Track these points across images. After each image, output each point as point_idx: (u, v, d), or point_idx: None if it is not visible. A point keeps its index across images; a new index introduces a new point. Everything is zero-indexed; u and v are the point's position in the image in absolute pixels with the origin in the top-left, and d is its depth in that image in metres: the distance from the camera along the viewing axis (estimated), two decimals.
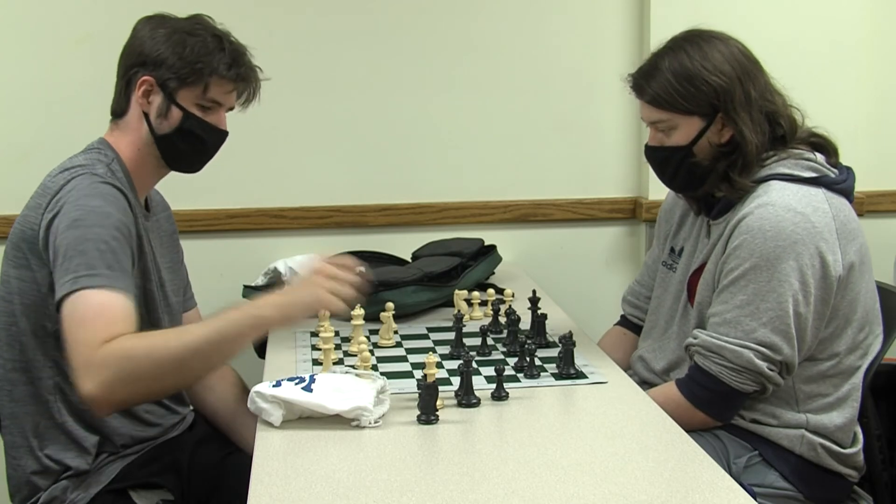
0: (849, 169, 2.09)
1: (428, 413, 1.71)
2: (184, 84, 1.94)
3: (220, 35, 1.97)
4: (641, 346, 2.30)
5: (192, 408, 2.19)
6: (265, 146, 2.94)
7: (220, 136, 2.04)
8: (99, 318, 1.68)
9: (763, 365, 1.94)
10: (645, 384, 2.19)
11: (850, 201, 2.05)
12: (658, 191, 2.90)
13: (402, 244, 2.91)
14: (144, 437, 2.01)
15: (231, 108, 2.05)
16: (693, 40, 2.04)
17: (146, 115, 1.97)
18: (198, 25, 1.98)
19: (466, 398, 1.78)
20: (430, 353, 1.85)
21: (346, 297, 1.78)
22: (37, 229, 1.85)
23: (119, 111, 2.01)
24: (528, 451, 1.60)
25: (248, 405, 1.75)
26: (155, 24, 1.98)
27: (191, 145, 1.99)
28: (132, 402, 1.74)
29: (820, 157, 2.04)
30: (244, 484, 1.49)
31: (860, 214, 2.16)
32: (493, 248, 2.80)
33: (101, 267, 1.73)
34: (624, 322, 2.46)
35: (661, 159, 2.10)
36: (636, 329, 2.40)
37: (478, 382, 1.87)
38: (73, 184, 1.85)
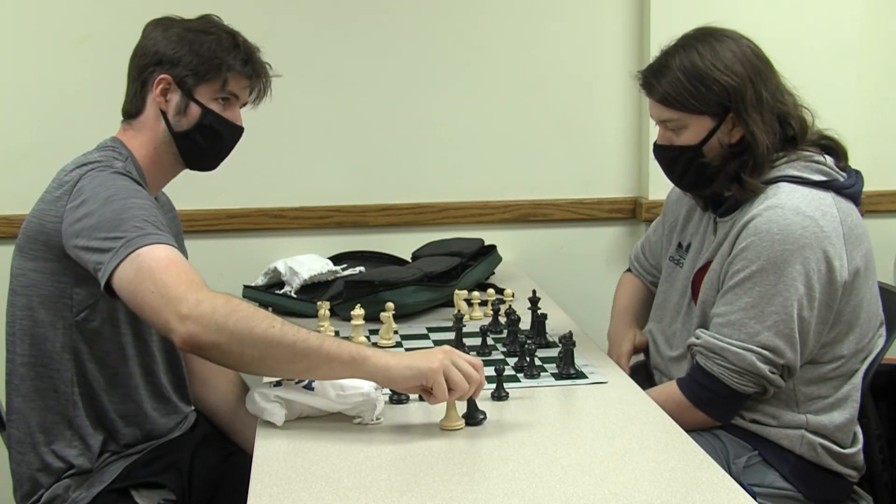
0: (857, 172, 2.08)
1: (400, 393, 1.80)
2: (202, 80, 1.97)
3: (233, 33, 2.01)
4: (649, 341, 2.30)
5: (193, 407, 2.19)
6: (265, 146, 2.94)
7: (237, 131, 2.06)
8: (174, 265, 1.69)
9: (765, 368, 1.94)
10: (648, 380, 2.19)
11: (858, 205, 2.05)
12: (658, 191, 2.91)
13: (402, 244, 2.92)
14: (148, 437, 2.02)
15: (244, 105, 2.07)
16: (704, 39, 2.02)
17: (164, 114, 1.98)
18: (210, 24, 2.01)
19: (472, 415, 1.72)
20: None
21: (460, 388, 1.65)
22: (58, 221, 1.85)
23: (133, 112, 2.02)
24: (528, 451, 1.60)
25: (248, 406, 1.75)
26: (166, 25, 2.00)
27: (209, 141, 2.01)
28: (211, 353, 1.66)
29: (829, 159, 2.03)
30: (245, 484, 1.49)
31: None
32: (493, 248, 2.80)
33: (151, 228, 1.75)
34: (632, 270, 2.52)
35: (670, 158, 2.09)
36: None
37: None
38: (92, 174, 1.86)
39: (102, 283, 1.73)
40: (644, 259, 2.46)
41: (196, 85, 1.97)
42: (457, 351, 1.70)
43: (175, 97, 1.97)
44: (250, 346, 1.64)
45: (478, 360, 1.71)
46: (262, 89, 2.07)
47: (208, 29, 1.99)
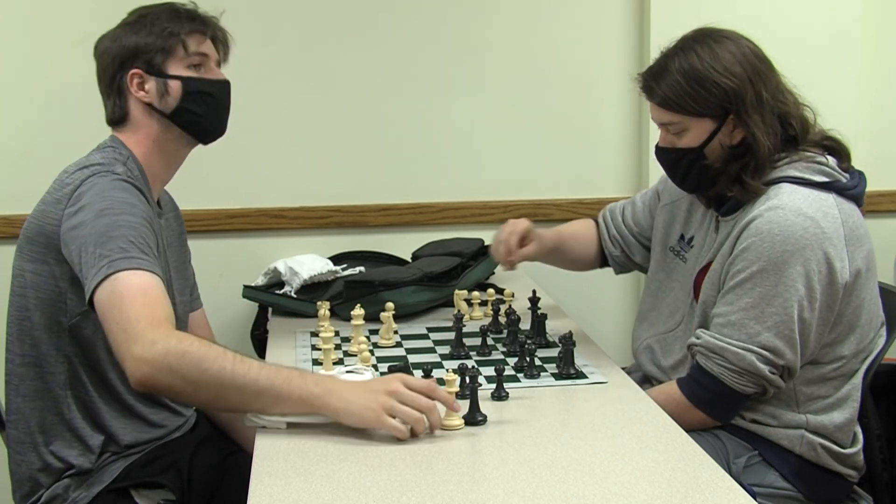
0: (860, 173, 2.07)
1: None
2: (167, 54, 1.99)
3: (168, 3, 2.05)
4: (642, 329, 2.27)
5: (194, 409, 2.19)
6: (265, 146, 2.94)
7: (224, 86, 2.07)
8: (142, 296, 1.69)
9: (765, 368, 1.94)
10: (646, 382, 2.18)
11: (860, 206, 2.04)
12: None
13: (402, 244, 2.91)
14: (149, 439, 2.02)
15: (218, 63, 2.09)
16: (703, 40, 2.02)
17: (150, 105, 1.99)
18: (144, 9, 2.05)
19: (472, 416, 1.72)
20: (451, 371, 1.74)
21: (413, 420, 1.62)
22: (57, 224, 1.86)
23: (119, 118, 2.03)
24: (528, 451, 1.60)
25: (246, 423, 1.73)
26: (110, 32, 2.04)
27: (204, 104, 2.02)
28: (166, 393, 1.73)
29: (832, 160, 2.03)
30: (245, 484, 1.49)
31: None
32: None
33: (135, 251, 1.75)
34: (596, 222, 2.48)
35: (672, 161, 2.08)
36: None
37: None
38: (93, 180, 1.87)
39: (87, 299, 1.75)
40: (619, 219, 2.41)
41: (164, 62, 1.99)
42: (404, 379, 1.67)
43: (152, 84, 1.99)
44: (203, 388, 1.65)
45: (429, 383, 1.67)
46: (224, 42, 2.09)
47: (146, 12, 2.03)
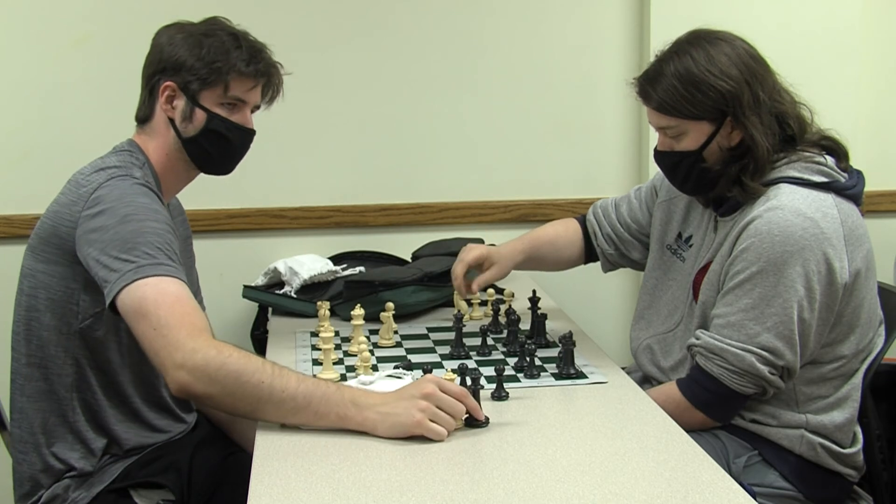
0: (859, 173, 2.07)
1: None
2: (205, 85, 1.96)
3: (236, 33, 2.00)
4: (640, 328, 2.26)
5: (196, 410, 2.18)
6: (265, 146, 2.93)
7: (247, 135, 2.05)
8: (178, 304, 1.69)
9: (765, 369, 1.94)
10: (646, 382, 2.18)
11: (859, 206, 2.04)
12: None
13: (402, 244, 2.92)
14: (151, 443, 2.02)
15: (257, 107, 2.06)
16: (697, 43, 2.01)
17: (172, 121, 1.98)
18: (214, 26, 2.00)
19: (473, 417, 1.71)
20: (450, 371, 1.77)
21: (448, 427, 1.64)
22: (72, 226, 1.85)
23: (144, 118, 2.02)
24: (528, 451, 1.60)
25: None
26: (172, 30, 2.00)
27: (218, 146, 2.00)
28: (205, 402, 1.73)
29: (830, 160, 2.03)
30: (245, 484, 1.49)
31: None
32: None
33: (162, 257, 1.75)
34: (581, 220, 2.46)
35: (672, 164, 2.08)
36: (586, 232, 2.44)
37: None
38: (112, 184, 1.86)
39: (108, 302, 1.74)
40: (613, 217, 2.39)
41: (200, 90, 1.96)
42: (439, 382, 1.67)
43: (180, 104, 1.97)
44: (241, 401, 1.66)
45: (463, 390, 1.68)
46: (274, 89, 2.06)
47: (211, 32, 1.98)
